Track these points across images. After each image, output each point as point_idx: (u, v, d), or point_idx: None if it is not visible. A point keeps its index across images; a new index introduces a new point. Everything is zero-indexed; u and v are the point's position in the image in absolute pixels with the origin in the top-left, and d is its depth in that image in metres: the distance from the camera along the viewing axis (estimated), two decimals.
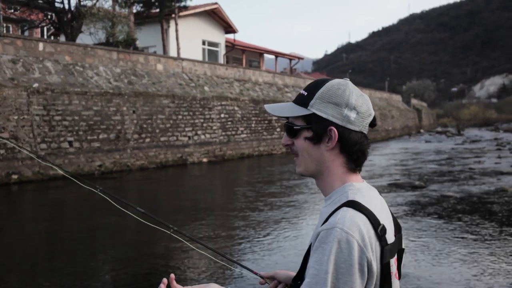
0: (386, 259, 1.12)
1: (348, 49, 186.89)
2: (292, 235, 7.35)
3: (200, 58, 28.65)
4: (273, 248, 6.62)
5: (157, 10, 25.68)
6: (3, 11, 23.93)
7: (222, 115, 21.53)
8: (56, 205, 10.69)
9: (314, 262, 1.08)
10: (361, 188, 1.19)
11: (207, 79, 22.28)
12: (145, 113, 17.67)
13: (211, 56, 31.21)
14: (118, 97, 16.77)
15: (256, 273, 1.53)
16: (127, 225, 7.99)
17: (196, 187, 13.68)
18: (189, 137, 19.39)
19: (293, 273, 1.40)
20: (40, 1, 20.92)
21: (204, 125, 20.31)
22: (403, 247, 1.26)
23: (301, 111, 1.21)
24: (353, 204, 1.12)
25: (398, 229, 1.24)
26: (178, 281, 1.41)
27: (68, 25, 20.70)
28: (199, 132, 19.93)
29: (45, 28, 29.25)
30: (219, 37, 31.88)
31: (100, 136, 15.83)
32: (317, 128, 1.19)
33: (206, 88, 21.54)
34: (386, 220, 1.18)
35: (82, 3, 20.87)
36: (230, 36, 33.35)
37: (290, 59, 42.37)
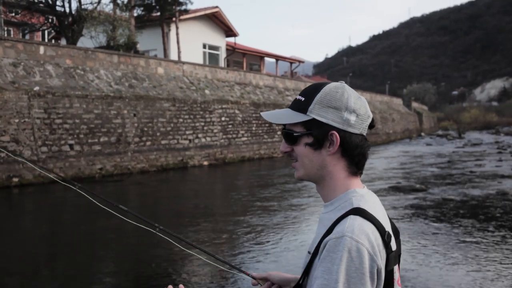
0: (390, 266, 1.11)
1: (348, 52, 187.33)
2: (291, 239, 7.35)
3: (200, 61, 28.69)
4: (272, 252, 6.61)
5: (158, 13, 25.72)
6: (4, 15, 24.01)
7: (223, 118, 21.55)
8: (56, 208, 10.69)
9: (322, 272, 1.05)
10: (364, 194, 1.18)
11: (207, 83, 22.30)
12: (146, 116, 17.68)
13: (212, 59, 31.25)
14: (119, 100, 16.79)
15: (248, 274, 1.49)
16: (127, 228, 7.98)
17: (197, 191, 13.67)
18: (189, 140, 19.40)
19: (286, 274, 1.38)
20: (41, 5, 20.97)
21: (205, 128, 20.32)
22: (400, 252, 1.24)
23: (300, 117, 1.19)
24: (360, 212, 1.11)
25: (396, 234, 1.22)
26: (175, 284, 1.39)
27: (69, 28, 20.75)
28: (199, 135, 19.93)
29: (46, 32, 29.29)
30: (220, 41, 31.94)
31: (101, 139, 15.84)
32: (318, 133, 1.17)
33: (206, 91, 21.57)
34: (388, 226, 1.17)
35: (83, 7, 20.93)
36: (231, 39, 33.40)
37: (291, 63, 42.42)
